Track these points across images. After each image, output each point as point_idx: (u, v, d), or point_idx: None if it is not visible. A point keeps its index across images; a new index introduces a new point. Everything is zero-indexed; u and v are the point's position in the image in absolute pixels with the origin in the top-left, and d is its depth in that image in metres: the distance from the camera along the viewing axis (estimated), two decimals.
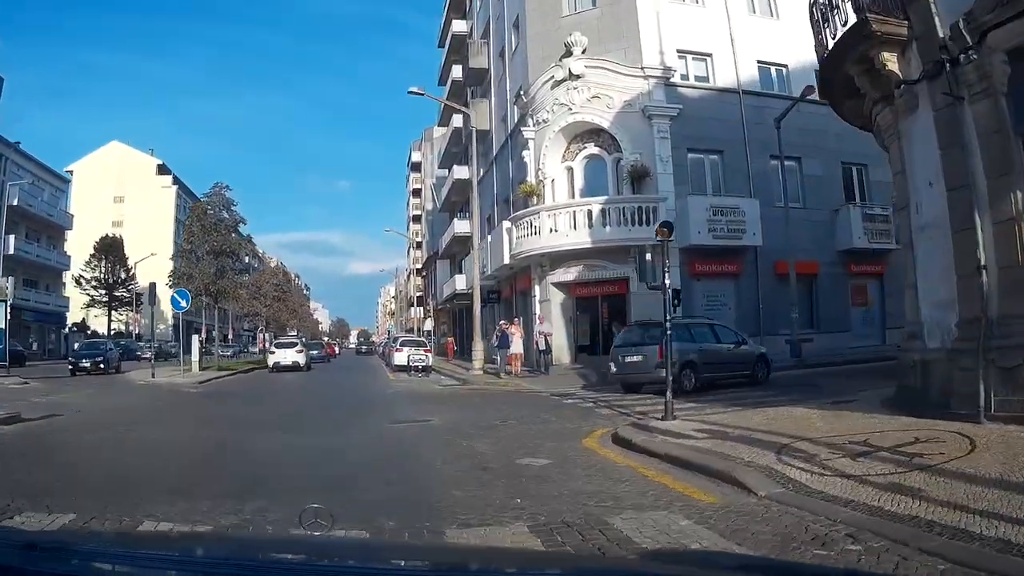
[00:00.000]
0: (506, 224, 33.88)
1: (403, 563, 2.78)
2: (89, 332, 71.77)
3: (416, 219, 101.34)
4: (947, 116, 11.37)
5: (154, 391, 27.37)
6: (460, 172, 52.12)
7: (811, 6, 14.99)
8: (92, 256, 75.76)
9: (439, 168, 67.77)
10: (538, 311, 32.06)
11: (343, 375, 38.90)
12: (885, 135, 14.25)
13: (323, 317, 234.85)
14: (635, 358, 20.45)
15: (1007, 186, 10.33)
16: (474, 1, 51.17)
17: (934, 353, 12.06)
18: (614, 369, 21.47)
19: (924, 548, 5.40)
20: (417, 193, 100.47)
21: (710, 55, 32.56)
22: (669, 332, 14.21)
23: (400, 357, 37.20)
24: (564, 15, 33.04)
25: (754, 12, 33.56)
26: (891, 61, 12.51)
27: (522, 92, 34.04)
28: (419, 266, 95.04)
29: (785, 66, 33.80)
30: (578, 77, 30.93)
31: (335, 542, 3.22)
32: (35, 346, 66.36)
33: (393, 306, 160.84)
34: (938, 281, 12.10)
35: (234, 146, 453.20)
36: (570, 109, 31.41)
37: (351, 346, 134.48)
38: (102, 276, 75.24)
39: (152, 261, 69.65)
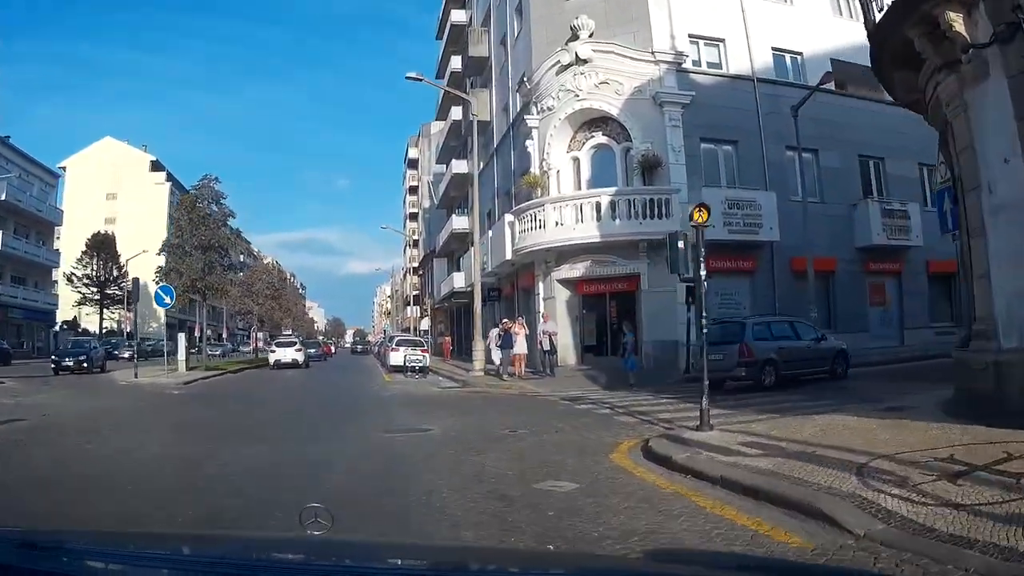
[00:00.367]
0: (508, 217, 32.15)
1: (403, 563, 2.85)
2: (80, 330, 70.21)
3: (413, 217, 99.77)
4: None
5: (134, 392, 25.71)
6: (459, 166, 50.67)
7: None
8: (83, 253, 74.15)
9: (437, 164, 66.06)
10: (542, 309, 30.36)
11: (336, 376, 36.97)
12: (948, 107, 12.55)
13: (319, 316, 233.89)
14: (716, 356, 19.27)
15: None
16: None
17: (1012, 354, 10.56)
18: (694, 365, 21.39)
19: None
20: (414, 190, 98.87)
21: (723, 40, 30.98)
22: (705, 332, 12.59)
23: (396, 357, 35.45)
24: None
25: None
26: (957, 22, 10.99)
27: (525, 78, 32.33)
28: (415, 264, 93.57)
29: (800, 54, 32.51)
30: (585, 62, 29.27)
31: (335, 542, 3.02)
32: (26, 344, 65.38)
33: (389, 305, 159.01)
34: (1019, 268, 10.54)
35: (231, 143, 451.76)
36: (577, 95, 29.72)
37: (347, 345, 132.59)
38: (93, 274, 73.50)
39: (144, 258, 67.80)
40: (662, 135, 28.45)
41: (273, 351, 45.88)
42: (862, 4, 14.21)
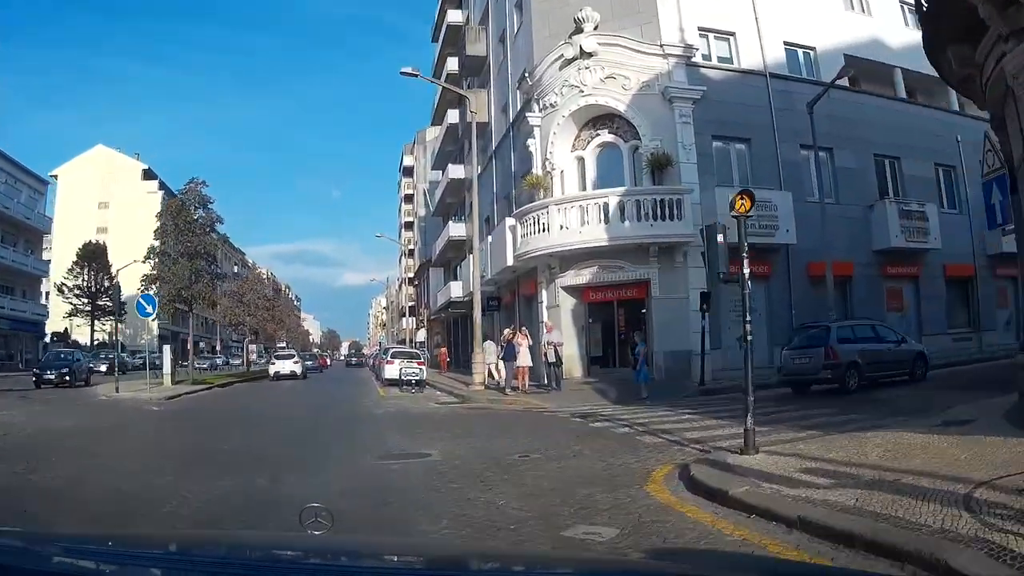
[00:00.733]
0: (509, 221, 30.43)
1: (403, 563, 2.86)
2: (70, 342, 68.67)
3: (408, 226, 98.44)
4: None
5: (111, 409, 23.98)
6: (455, 171, 49.26)
7: None
8: (74, 263, 72.31)
9: (433, 169, 64.54)
10: (546, 318, 28.66)
11: (328, 390, 34.81)
12: (1016, 80, 10.93)
13: (314, 329, 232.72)
14: (802, 360, 21.05)
15: None
16: None
17: None
18: (782, 369, 22.14)
19: None
20: (409, 199, 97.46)
21: (733, 34, 29.58)
22: (750, 339, 10.96)
23: (391, 370, 33.60)
24: None
25: None
26: None
27: (527, 74, 30.66)
28: (411, 275, 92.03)
29: (813, 49, 31.22)
30: (590, 55, 27.64)
31: (335, 542, 2.96)
32: (14, 356, 64.10)
33: (384, 317, 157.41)
34: None
35: (224, 153, 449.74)
36: (581, 91, 28.07)
37: (342, 358, 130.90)
38: (84, 284, 71.59)
39: (136, 268, 65.96)
40: (672, 132, 26.89)
41: (273, 363, 49.34)
42: None
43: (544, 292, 29.46)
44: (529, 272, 31.10)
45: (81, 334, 74.06)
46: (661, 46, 27.33)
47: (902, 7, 33.43)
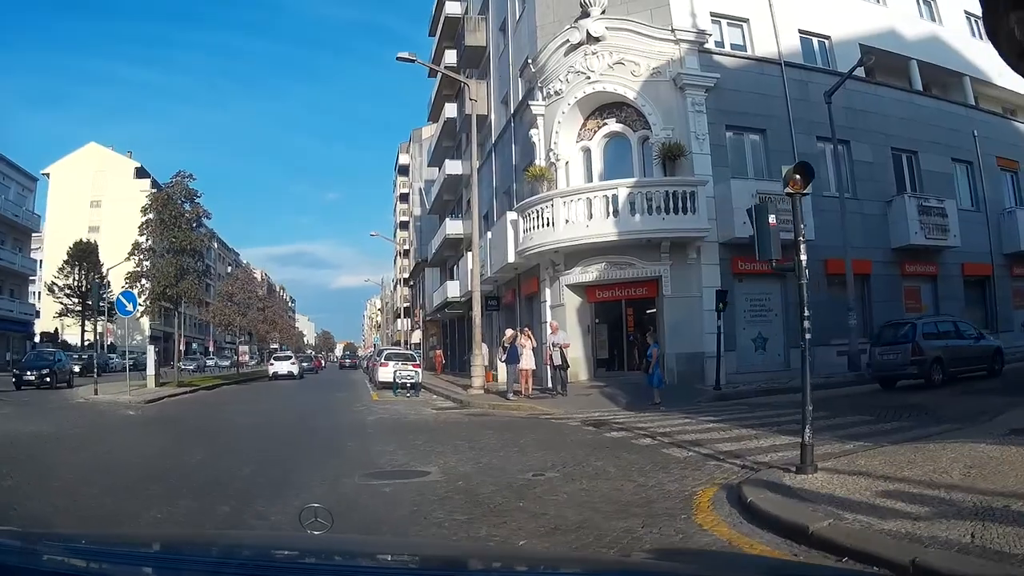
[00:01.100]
0: (511, 215, 28.76)
1: (403, 563, 2.83)
2: (60, 342, 67.07)
3: (403, 226, 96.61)
4: None
5: (85, 413, 22.35)
6: (452, 167, 47.65)
7: None
8: (65, 263, 70.93)
9: (429, 166, 62.81)
10: (549, 318, 27.09)
11: (318, 394, 32.65)
12: None
13: (308, 330, 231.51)
14: (890, 356, 21.33)
15: None
16: None
17: None
18: (871, 365, 22.50)
19: None
20: (405, 198, 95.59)
21: (747, 21, 28.10)
22: (808, 336, 9.41)
23: (385, 373, 31.95)
24: None
25: None
26: None
27: (529, 61, 29.03)
28: (406, 275, 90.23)
29: (828, 38, 29.81)
30: (597, 40, 26.08)
31: (335, 542, 3.01)
32: (3, 356, 61.80)
33: (379, 318, 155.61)
34: None
35: (219, 155, 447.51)
36: (588, 78, 26.49)
37: (336, 360, 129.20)
38: (75, 283, 69.92)
39: (127, 267, 64.68)
40: (684, 121, 25.33)
41: (272, 364, 53.56)
42: None
43: (547, 290, 27.89)
44: (531, 270, 29.53)
45: (72, 334, 72.63)
46: (672, 31, 25.80)
47: None
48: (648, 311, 26.89)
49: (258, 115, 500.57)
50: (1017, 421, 11.75)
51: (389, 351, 40.31)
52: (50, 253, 73.74)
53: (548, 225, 25.69)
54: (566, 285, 26.81)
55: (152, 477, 10.33)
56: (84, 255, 72.02)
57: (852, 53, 27.94)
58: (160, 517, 7.75)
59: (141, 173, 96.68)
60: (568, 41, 26.75)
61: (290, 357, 56.04)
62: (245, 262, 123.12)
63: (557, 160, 27.41)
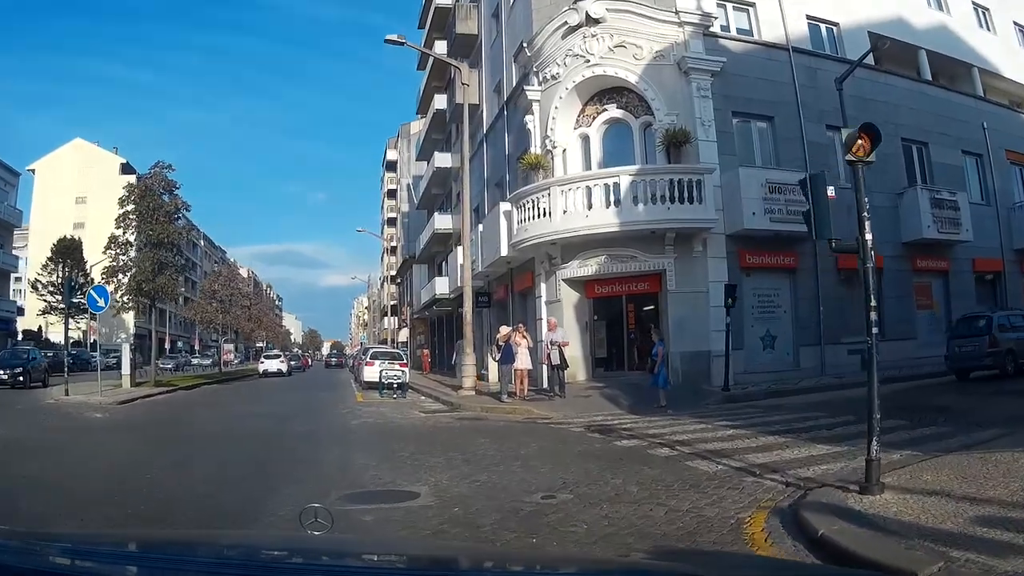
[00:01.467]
0: (504, 206, 27.16)
1: (403, 563, 2.83)
2: (43, 340, 65.55)
3: (391, 222, 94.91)
4: None
5: (50, 415, 20.76)
6: (442, 159, 46.09)
7: None
8: (48, 260, 68.79)
9: (417, 160, 61.21)
10: (544, 315, 25.62)
11: (299, 396, 30.32)
12: None
13: (295, 328, 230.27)
14: (967, 347, 21.87)
15: None
16: None
17: None
18: (948, 357, 22.70)
19: None
20: (392, 194, 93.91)
21: (753, 4, 26.81)
22: (874, 333, 8.03)
23: (371, 372, 30.42)
24: None
25: None
26: None
27: (525, 45, 27.47)
28: (393, 273, 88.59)
29: (836, 24, 28.47)
30: (597, 22, 24.61)
31: (335, 542, 2.99)
32: None
33: (366, 317, 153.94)
34: None
35: (206, 154, 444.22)
36: (587, 61, 25.00)
37: (323, 358, 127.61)
38: (59, 281, 68.03)
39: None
40: (689, 107, 23.86)
41: (262, 362, 56.78)
42: None
43: (543, 286, 26.36)
44: (525, 264, 28.00)
45: (57, 332, 70.59)
46: (676, 12, 24.29)
47: None
48: (646, 308, 25.51)
49: (246, 114, 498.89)
50: None
51: (375, 350, 38.83)
52: (35, 250, 72.16)
53: (544, 215, 24.13)
54: (563, 280, 25.28)
55: (90, 501, 8.72)
56: (68, 252, 70.06)
57: (860, 40, 26.61)
58: None
59: (127, 169, 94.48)
60: (566, 23, 25.24)
61: (279, 356, 59.64)
62: (232, 260, 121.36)
63: (554, 147, 25.89)
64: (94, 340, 66.32)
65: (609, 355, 26.33)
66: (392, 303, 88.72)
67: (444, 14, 45.79)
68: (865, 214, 8.27)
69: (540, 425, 16.51)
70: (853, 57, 25.32)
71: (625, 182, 22.73)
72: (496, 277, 32.76)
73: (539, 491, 8.61)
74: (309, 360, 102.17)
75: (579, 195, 23.43)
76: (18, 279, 75.46)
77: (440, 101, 46.23)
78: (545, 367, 23.07)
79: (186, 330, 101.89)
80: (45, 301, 67.47)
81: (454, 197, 43.89)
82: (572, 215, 23.46)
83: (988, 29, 34.32)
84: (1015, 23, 35.42)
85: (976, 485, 7.46)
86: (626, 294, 25.21)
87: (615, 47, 24.62)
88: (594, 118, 25.90)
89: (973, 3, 33.33)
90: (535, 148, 26.51)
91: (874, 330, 8.02)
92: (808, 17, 27.55)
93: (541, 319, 25.92)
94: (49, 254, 69.50)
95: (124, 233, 34.92)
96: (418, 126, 62.39)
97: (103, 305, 27.85)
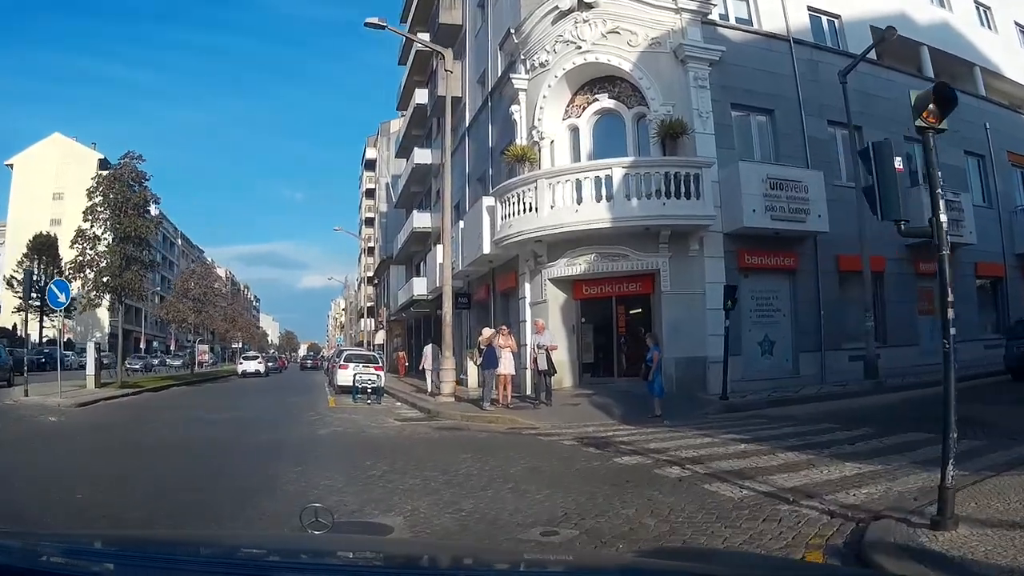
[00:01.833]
0: (487, 200, 25.64)
1: (403, 562, 2.78)
2: (17, 338, 63.00)
3: (369, 222, 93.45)
4: None
5: (1, 418, 19.07)
6: (422, 156, 44.50)
7: None
8: (24, 256, 67.43)
9: (397, 157, 59.62)
10: (528, 317, 24.17)
11: (269, 400, 28.38)
12: None
13: (273, 330, 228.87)
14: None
15: None
16: None
17: None
18: (1007, 357, 22.61)
19: None
20: (371, 194, 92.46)
21: None
22: (953, 332, 6.69)
23: (344, 376, 28.79)
24: None
25: None
26: None
27: (512, 31, 26.00)
28: (370, 274, 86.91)
29: (838, 17, 27.36)
30: (589, 7, 23.22)
31: (335, 542, 3.00)
32: None
33: (344, 318, 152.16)
34: None
35: (186, 153, 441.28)
36: (578, 47, 23.58)
37: (298, 360, 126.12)
38: (34, 278, 66.21)
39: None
40: (685, 97, 22.48)
41: (241, 363, 59.37)
42: None
43: (527, 286, 24.86)
44: (508, 263, 26.47)
45: (33, 329, 68.86)
46: None
47: None
48: (632, 311, 24.10)
49: (226, 112, 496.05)
50: None
51: (349, 352, 37.09)
52: (12, 246, 70.71)
53: (530, 210, 22.62)
54: (549, 279, 23.77)
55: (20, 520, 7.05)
56: (44, 248, 68.69)
57: (862, 34, 25.69)
58: None
59: (104, 165, 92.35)
60: (557, 7, 23.82)
61: (257, 357, 62.75)
62: (210, 260, 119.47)
63: (541, 139, 24.44)
64: (68, 338, 65.03)
65: (597, 360, 24.81)
66: (369, 305, 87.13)
67: (427, 5, 44.19)
68: (939, 191, 6.76)
69: (527, 436, 14.99)
70: (854, 51, 24.38)
71: (618, 175, 21.26)
72: (477, 277, 31.24)
73: (537, 524, 7.06)
74: (285, 362, 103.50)
75: (568, 189, 21.92)
76: None
77: (421, 95, 44.64)
78: (529, 373, 21.58)
79: (162, 330, 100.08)
80: (19, 298, 65.88)
81: (434, 195, 42.49)
82: (560, 210, 21.96)
83: (989, 28, 33.29)
84: (1016, 23, 34.40)
85: None
86: (616, 295, 23.69)
87: (608, 33, 23.23)
88: (584, 108, 24.47)
89: (975, 1, 32.34)
90: (521, 140, 25.06)
91: (952, 330, 6.56)
92: (809, 8, 26.45)
93: (525, 321, 24.47)
94: (24, 251, 68.27)
95: (92, 226, 33.18)
96: (398, 124, 60.95)
97: (64, 300, 26.14)
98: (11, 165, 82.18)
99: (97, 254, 32.43)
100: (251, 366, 57.11)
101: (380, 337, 67.64)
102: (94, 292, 33.07)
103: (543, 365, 20.09)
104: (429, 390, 27.27)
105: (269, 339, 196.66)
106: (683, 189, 20.82)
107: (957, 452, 10.36)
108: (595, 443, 12.96)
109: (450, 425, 17.62)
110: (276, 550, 2.83)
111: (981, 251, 28.06)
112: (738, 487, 8.59)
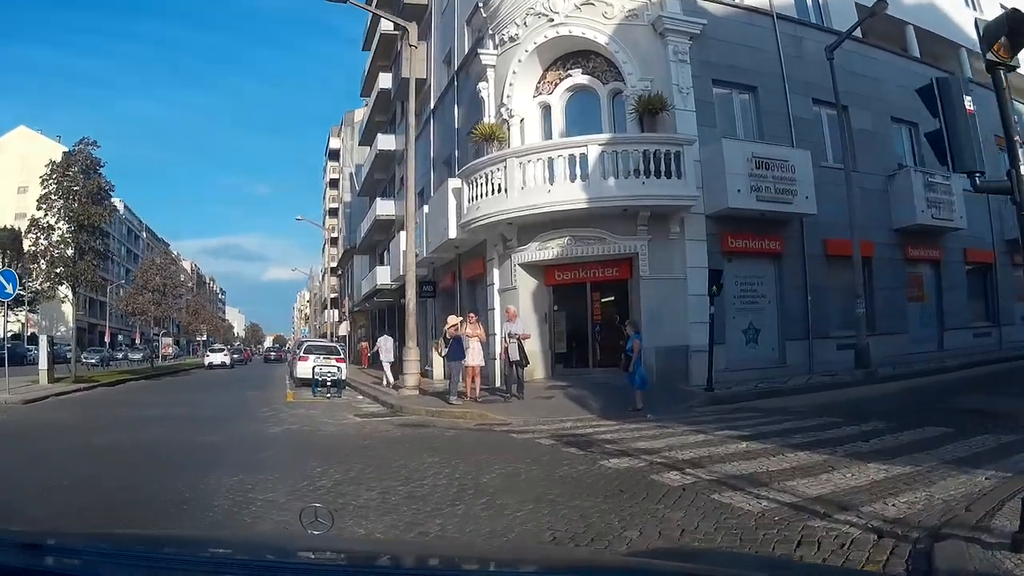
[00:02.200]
0: (453, 182, 24.13)
1: (403, 562, 2.72)
2: None
3: (332, 213, 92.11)
4: None
5: None
6: (385, 142, 43.47)
7: None
8: None
9: (360, 145, 58.37)
10: (497, 305, 22.79)
11: (226, 393, 27.33)
12: None
13: (238, 322, 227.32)
14: None
15: None
16: None
17: None
18: None
19: None
20: (335, 184, 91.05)
21: None
22: None
23: (304, 368, 27.40)
24: None
25: None
26: None
27: (480, 5, 24.52)
28: (334, 264, 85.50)
29: None
30: None
31: (335, 542, 2.96)
32: None
33: (308, 310, 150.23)
34: None
35: (149, 146, 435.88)
36: (551, 20, 22.19)
37: (262, 353, 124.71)
38: None
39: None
40: (665, 72, 21.19)
41: (208, 355, 62.47)
42: None
43: (496, 272, 23.46)
44: (476, 248, 25.05)
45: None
46: None
47: None
48: (608, 298, 22.80)
49: (189, 104, 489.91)
50: None
51: (310, 343, 35.66)
52: None
53: (499, 191, 21.18)
54: (519, 264, 22.33)
55: None
56: (8, 243, 66.20)
57: (848, 12, 24.86)
58: None
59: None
60: None
61: (223, 349, 66.28)
62: (176, 253, 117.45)
63: (510, 117, 23.04)
64: (33, 332, 62.93)
65: (570, 350, 23.45)
66: (333, 296, 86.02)
67: None
68: (1017, 138, 5.47)
69: (499, 434, 13.60)
70: (839, 28, 23.43)
71: (593, 153, 19.86)
72: (443, 264, 29.79)
73: (523, 542, 5.70)
74: (250, 354, 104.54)
75: (539, 168, 20.50)
76: None
77: (385, 80, 43.09)
78: (499, 363, 20.18)
79: (128, 324, 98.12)
80: None
81: (398, 182, 41.12)
82: (531, 191, 20.54)
83: (975, 8, 32.28)
84: (1002, 5, 33.44)
85: None
86: (591, 280, 22.32)
87: (582, 4, 21.86)
88: (556, 85, 23.11)
89: None
90: (489, 118, 23.66)
91: None
92: None
93: (493, 309, 23.11)
94: None
95: (46, 215, 31.62)
96: (362, 113, 59.43)
97: (11, 291, 24.57)
98: None
99: (51, 244, 31.07)
100: (217, 358, 60.31)
101: (344, 328, 66.39)
102: (47, 283, 31.89)
103: (515, 355, 18.61)
104: (384, 383, 26.29)
105: (235, 332, 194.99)
106: (663, 168, 19.50)
107: (990, 449, 9.31)
108: (576, 442, 11.56)
109: (414, 422, 16.15)
110: (276, 550, 2.74)
111: (970, 237, 27.28)
112: (755, 497, 7.25)
